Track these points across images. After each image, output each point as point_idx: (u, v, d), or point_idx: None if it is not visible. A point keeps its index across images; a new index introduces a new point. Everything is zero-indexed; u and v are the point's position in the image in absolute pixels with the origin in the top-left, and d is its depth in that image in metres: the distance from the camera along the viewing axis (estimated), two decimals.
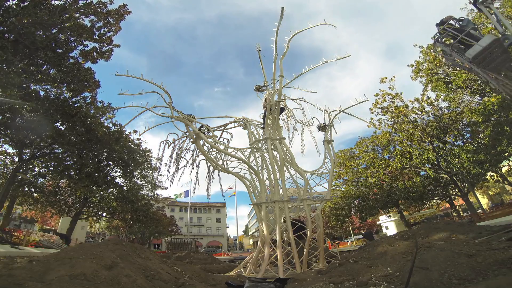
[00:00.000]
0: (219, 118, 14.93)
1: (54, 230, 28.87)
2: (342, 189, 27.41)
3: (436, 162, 19.88)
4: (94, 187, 20.56)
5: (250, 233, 78.96)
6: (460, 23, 9.92)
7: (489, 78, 9.23)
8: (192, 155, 13.55)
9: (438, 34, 10.31)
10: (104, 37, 12.75)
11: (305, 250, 9.80)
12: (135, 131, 19.54)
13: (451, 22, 10.19)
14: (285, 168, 11.32)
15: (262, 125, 12.43)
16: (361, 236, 37.13)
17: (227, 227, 63.74)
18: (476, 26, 10.05)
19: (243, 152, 12.34)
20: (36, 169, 18.71)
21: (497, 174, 19.62)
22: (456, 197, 24.30)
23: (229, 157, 12.58)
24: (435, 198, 25.19)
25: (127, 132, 18.79)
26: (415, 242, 3.79)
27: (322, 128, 12.96)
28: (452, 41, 9.93)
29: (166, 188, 30.08)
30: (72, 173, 18.22)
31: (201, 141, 11.46)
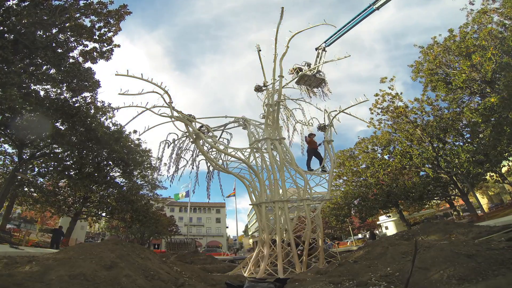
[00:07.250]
0: (219, 118, 14.85)
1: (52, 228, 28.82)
2: (342, 189, 27.41)
3: (436, 162, 19.90)
4: (94, 187, 20.57)
5: (250, 233, 78.98)
6: None
7: None
8: (192, 155, 13.50)
9: None
10: (104, 37, 12.80)
11: (305, 250, 9.80)
12: (135, 131, 19.57)
13: None
14: (284, 168, 11.31)
15: (262, 125, 12.43)
16: (360, 236, 37.20)
17: (227, 227, 63.90)
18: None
19: (243, 152, 12.32)
20: (36, 169, 18.68)
21: (497, 174, 19.64)
22: (456, 197, 24.32)
23: (229, 157, 12.56)
24: (435, 198, 25.20)
25: (127, 132, 18.81)
26: (414, 242, 3.79)
27: (322, 128, 12.94)
28: None
29: (166, 188, 30.07)
30: (72, 173, 18.23)
31: (201, 141, 11.45)
